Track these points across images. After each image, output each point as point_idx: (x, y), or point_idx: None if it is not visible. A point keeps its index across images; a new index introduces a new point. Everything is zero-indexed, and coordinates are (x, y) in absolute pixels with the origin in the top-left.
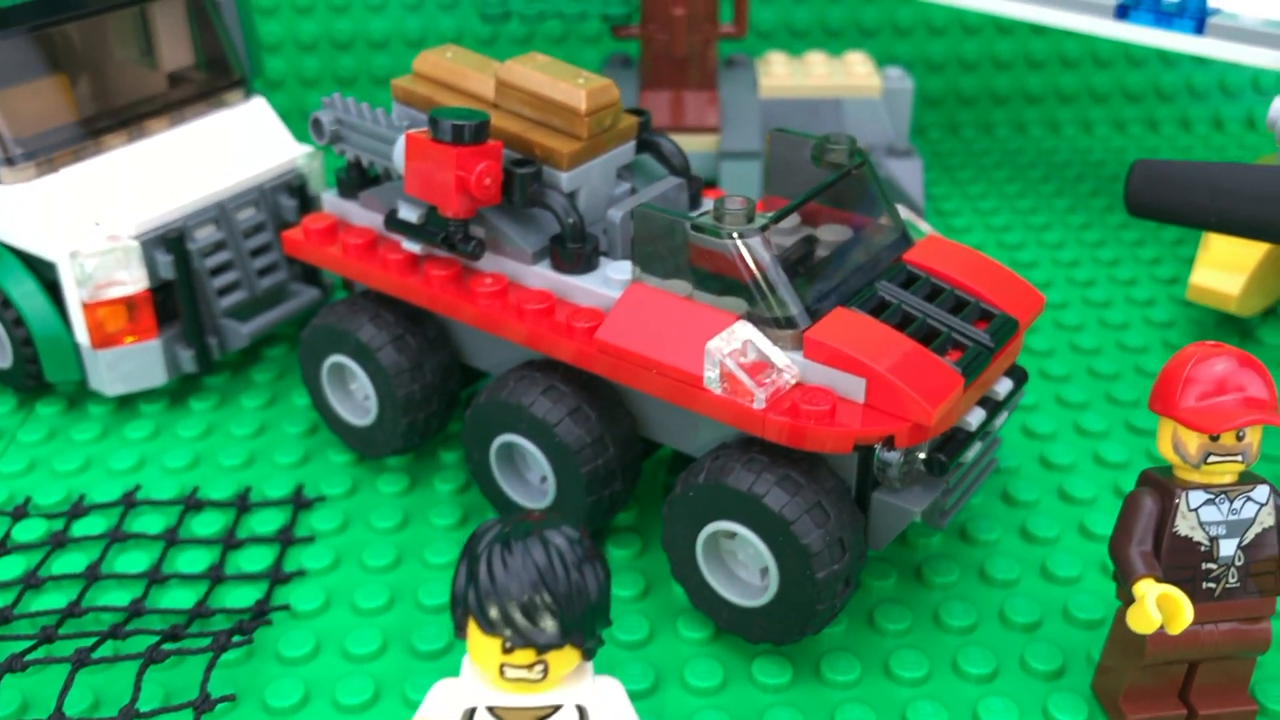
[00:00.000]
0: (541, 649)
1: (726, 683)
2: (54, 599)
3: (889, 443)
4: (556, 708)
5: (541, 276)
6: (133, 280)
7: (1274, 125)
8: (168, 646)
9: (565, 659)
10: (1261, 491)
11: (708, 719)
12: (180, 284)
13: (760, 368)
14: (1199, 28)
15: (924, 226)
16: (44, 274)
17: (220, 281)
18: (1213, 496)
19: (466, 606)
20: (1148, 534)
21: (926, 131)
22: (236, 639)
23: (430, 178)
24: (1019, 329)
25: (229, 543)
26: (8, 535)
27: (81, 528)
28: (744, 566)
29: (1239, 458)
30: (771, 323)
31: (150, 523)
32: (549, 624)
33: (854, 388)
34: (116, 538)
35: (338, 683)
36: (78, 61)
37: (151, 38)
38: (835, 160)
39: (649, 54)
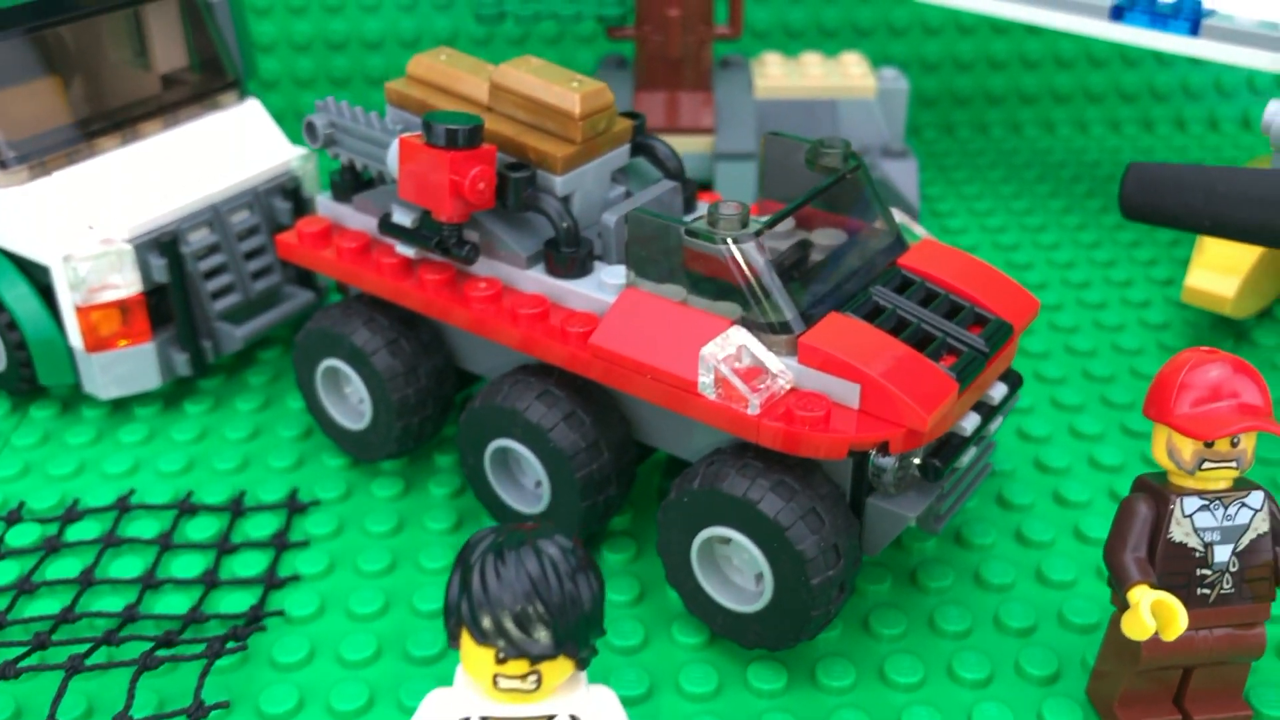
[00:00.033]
0: (535, 659)
1: (721, 688)
2: (48, 604)
3: (884, 448)
4: (550, 718)
5: (536, 281)
6: (126, 284)
7: (1269, 129)
8: (162, 653)
9: (559, 669)
10: (1256, 497)
11: None
12: (174, 287)
13: (755, 373)
14: (1194, 29)
15: (918, 230)
16: (37, 277)
17: (214, 284)
18: (1207, 502)
19: (459, 617)
20: (1142, 540)
21: (922, 131)
22: (231, 645)
23: (424, 182)
24: (1014, 334)
25: (223, 547)
26: (1, 540)
27: (75, 532)
28: (739, 572)
29: (1234, 464)
30: (766, 328)
31: (144, 527)
32: (542, 634)
33: (849, 393)
34: (110, 542)
35: (332, 689)
36: (71, 64)
37: (145, 40)
38: (830, 164)
39: (644, 55)
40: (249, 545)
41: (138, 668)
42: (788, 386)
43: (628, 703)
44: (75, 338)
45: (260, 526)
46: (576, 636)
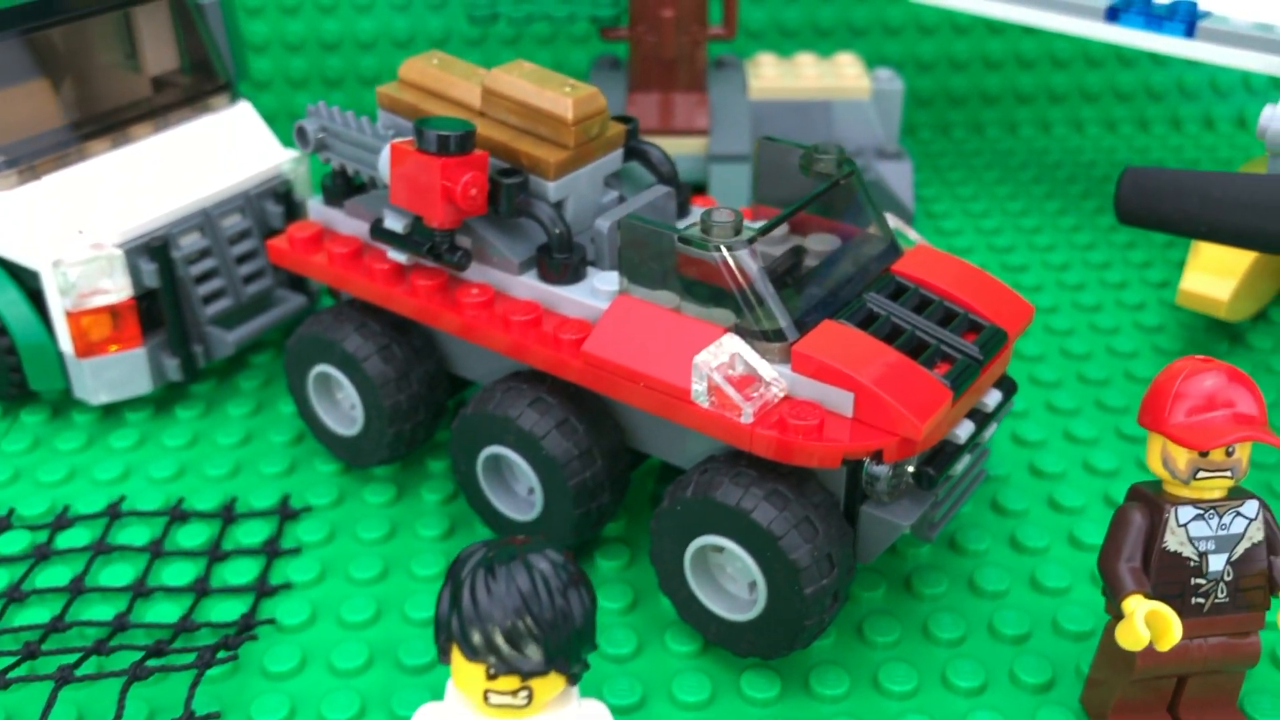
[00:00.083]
0: (526, 676)
1: (715, 697)
2: (37, 613)
3: (877, 457)
4: None
5: (528, 287)
6: (117, 289)
7: (1265, 133)
8: (152, 663)
9: (550, 684)
10: (1251, 506)
11: None
12: (165, 292)
13: (748, 381)
14: (1189, 31)
15: (913, 235)
16: (27, 282)
17: (205, 289)
18: (1202, 512)
19: (450, 632)
20: (1137, 549)
21: (917, 131)
22: (222, 655)
23: (416, 188)
24: (1008, 340)
25: (214, 555)
26: None
27: (65, 540)
28: (732, 580)
29: (1228, 473)
30: (759, 335)
31: (135, 534)
32: (533, 651)
33: (842, 401)
34: (101, 550)
35: (324, 698)
36: (61, 66)
37: (135, 42)
38: (824, 170)
39: (638, 56)
40: (240, 552)
41: (128, 678)
42: (781, 394)
43: (620, 712)
44: (66, 343)
45: (252, 533)
46: (568, 652)
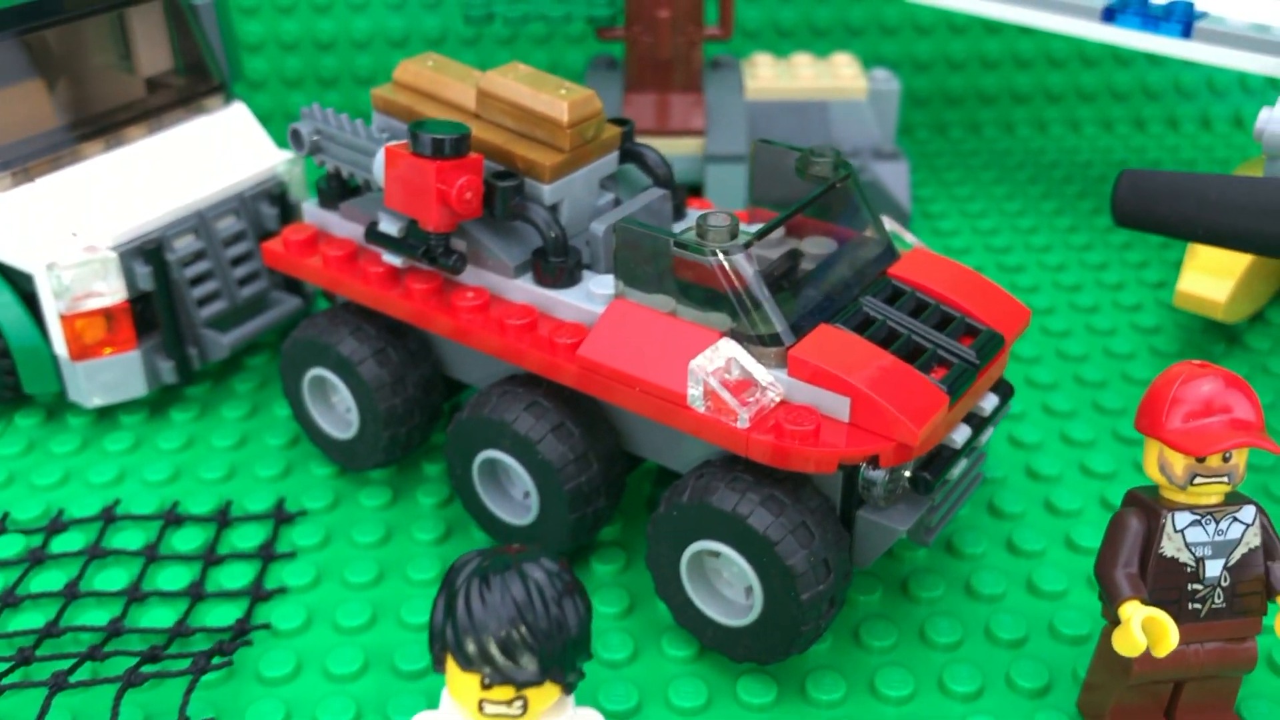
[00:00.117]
0: (520, 686)
1: (711, 702)
2: (32, 618)
3: (874, 462)
4: None
5: (524, 290)
6: (111, 291)
7: (1262, 135)
8: (147, 669)
9: (545, 694)
10: (1248, 512)
11: None
12: (159, 295)
13: (744, 386)
14: (1186, 31)
15: (909, 238)
16: (21, 285)
17: (200, 291)
18: (1199, 517)
19: (444, 642)
20: (1134, 555)
21: (914, 131)
22: (217, 660)
23: (411, 191)
24: (1005, 345)
25: (210, 559)
26: None
27: (60, 544)
28: (729, 585)
29: (1225, 479)
30: (755, 340)
31: (130, 538)
32: (528, 661)
33: (838, 406)
34: (96, 554)
35: (319, 704)
36: (54, 68)
37: (129, 43)
38: (820, 173)
39: (634, 56)
40: (235, 557)
41: (122, 684)
42: (777, 399)
43: (616, 717)
44: (60, 346)
45: (247, 537)
46: (563, 662)
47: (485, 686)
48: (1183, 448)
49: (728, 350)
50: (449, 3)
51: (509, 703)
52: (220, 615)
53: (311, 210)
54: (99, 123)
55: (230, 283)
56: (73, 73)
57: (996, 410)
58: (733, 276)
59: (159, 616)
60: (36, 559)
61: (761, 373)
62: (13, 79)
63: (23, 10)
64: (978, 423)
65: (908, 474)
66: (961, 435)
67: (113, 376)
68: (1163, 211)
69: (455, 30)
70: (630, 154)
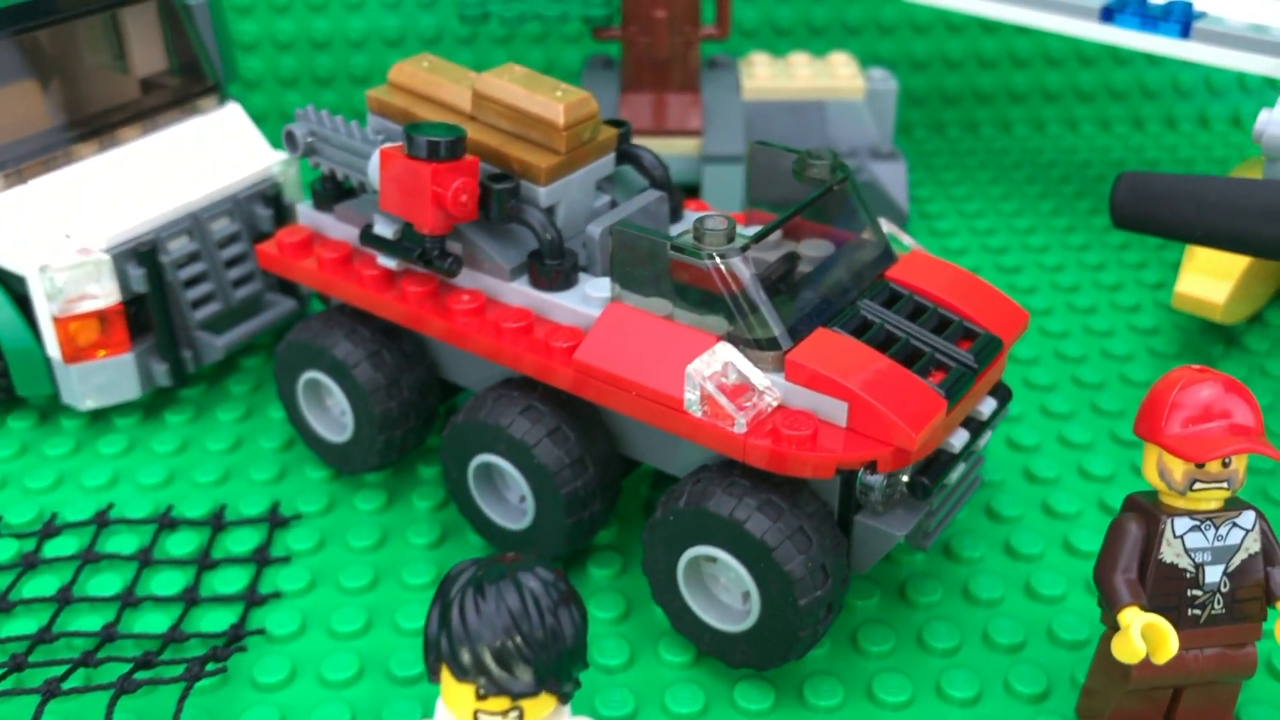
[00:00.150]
0: (516, 696)
1: (708, 708)
2: (24, 624)
3: (871, 467)
4: None
5: (519, 293)
6: (104, 294)
7: (1261, 136)
8: (141, 675)
9: (541, 705)
10: (1247, 518)
11: None
12: (153, 297)
13: (741, 390)
14: (1184, 31)
15: (907, 240)
16: (13, 287)
17: (194, 293)
18: (1198, 523)
19: (439, 652)
20: (1133, 561)
21: (911, 130)
22: (211, 666)
23: (406, 193)
24: (1003, 348)
25: (204, 563)
26: None
27: (53, 548)
28: (726, 590)
29: (1225, 484)
30: (752, 344)
31: (124, 542)
32: (523, 671)
33: (836, 411)
34: (89, 559)
35: (314, 710)
36: (47, 68)
37: (123, 44)
38: (817, 176)
39: (630, 56)
40: (230, 561)
41: (116, 690)
42: (774, 404)
43: None
44: (53, 348)
45: (241, 541)
46: (559, 672)
47: (480, 697)
48: (1182, 453)
49: (725, 354)
50: (444, 2)
51: (504, 713)
52: (214, 620)
53: (306, 212)
54: (93, 124)
55: (225, 285)
56: (66, 73)
57: (995, 414)
58: (730, 280)
59: (153, 622)
60: (29, 563)
61: (759, 377)
62: (6, 80)
63: (16, 10)
64: (976, 427)
65: (906, 479)
66: (960, 439)
67: (106, 379)
68: (1162, 214)
69: (451, 29)
70: (627, 156)
